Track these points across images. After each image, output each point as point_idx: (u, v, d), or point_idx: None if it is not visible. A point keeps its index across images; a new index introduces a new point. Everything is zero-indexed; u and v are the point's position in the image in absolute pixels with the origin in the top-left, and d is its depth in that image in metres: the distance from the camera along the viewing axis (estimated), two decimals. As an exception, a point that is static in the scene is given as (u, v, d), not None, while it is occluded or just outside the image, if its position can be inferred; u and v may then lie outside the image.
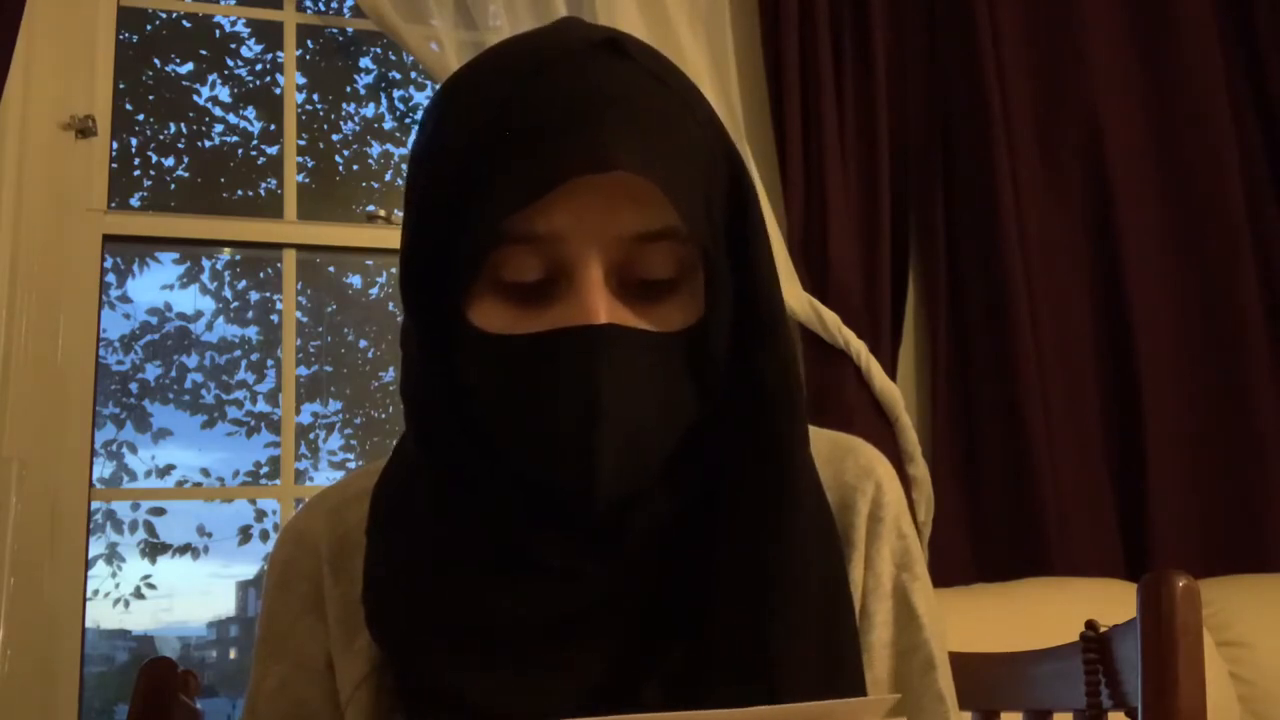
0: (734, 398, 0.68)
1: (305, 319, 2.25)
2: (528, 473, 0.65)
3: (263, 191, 2.24)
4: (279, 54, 2.21)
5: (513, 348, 0.63)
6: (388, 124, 2.34)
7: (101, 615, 2.13)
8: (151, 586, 2.19)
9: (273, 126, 2.22)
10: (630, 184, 0.61)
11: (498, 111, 0.63)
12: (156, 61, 2.21)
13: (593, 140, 0.60)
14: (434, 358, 0.67)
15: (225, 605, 2.49)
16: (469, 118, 0.64)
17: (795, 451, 0.69)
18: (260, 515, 2.22)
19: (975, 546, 2.01)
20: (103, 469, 2.08)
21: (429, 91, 2.33)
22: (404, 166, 2.31)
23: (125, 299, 2.17)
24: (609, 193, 0.61)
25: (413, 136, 0.71)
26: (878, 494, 0.77)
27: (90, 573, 1.84)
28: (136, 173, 2.17)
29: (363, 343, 2.37)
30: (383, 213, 2.21)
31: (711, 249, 0.64)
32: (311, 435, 2.22)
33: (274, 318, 2.22)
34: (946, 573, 1.93)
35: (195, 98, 2.23)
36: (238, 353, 2.25)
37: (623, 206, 0.62)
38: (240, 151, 2.24)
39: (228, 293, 2.27)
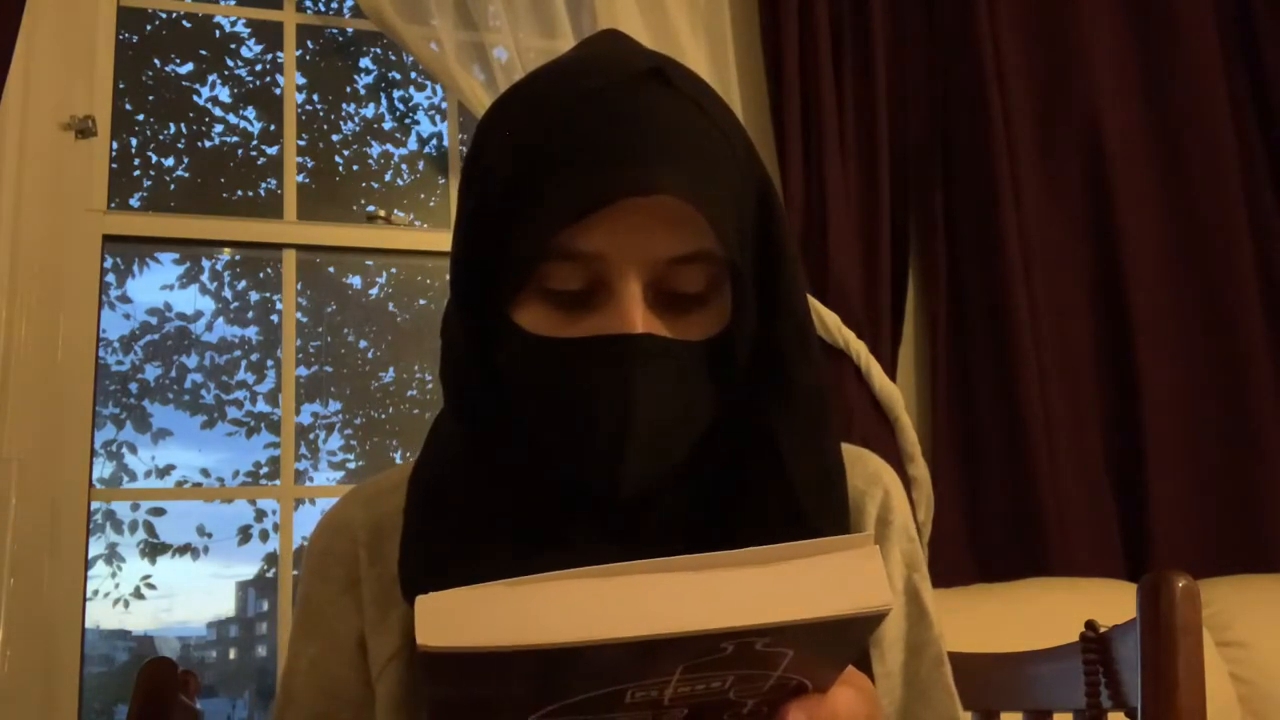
0: (764, 398, 0.72)
1: (305, 319, 2.25)
2: (557, 461, 0.70)
3: (262, 191, 2.24)
4: (279, 54, 2.21)
5: (555, 349, 0.68)
6: (388, 124, 2.33)
7: (101, 615, 2.12)
8: (151, 587, 2.19)
9: (273, 126, 2.22)
10: (668, 208, 0.65)
11: (548, 133, 0.67)
12: (156, 61, 2.21)
13: (638, 165, 0.65)
14: (476, 352, 0.72)
15: (225, 605, 2.48)
16: (520, 137, 0.69)
17: (825, 437, 0.73)
18: (260, 515, 2.21)
19: (975, 546, 2.01)
20: (103, 469, 2.08)
21: (429, 91, 2.33)
22: (403, 166, 2.33)
23: (125, 299, 2.17)
24: (648, 216, 0.65)
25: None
26: (886, 499, 0.82)
27: (90, 573, 1.84)
28: (136, 173, 2.17)
29: (362, 343, 2.37)
30: (383, 213, 2.21)
31: (739, 266, 0.68)
32: (311, 435, 2.22)
33: (274, 318, 2.22)
34: (946, 573, 1.93)
35: (195, 98, 2.23)
36: (238, 353, 2.25)
37: (660, 229, 0.66)
38: (240, 151, 2.24)
39: (228, 293, 2.27)
